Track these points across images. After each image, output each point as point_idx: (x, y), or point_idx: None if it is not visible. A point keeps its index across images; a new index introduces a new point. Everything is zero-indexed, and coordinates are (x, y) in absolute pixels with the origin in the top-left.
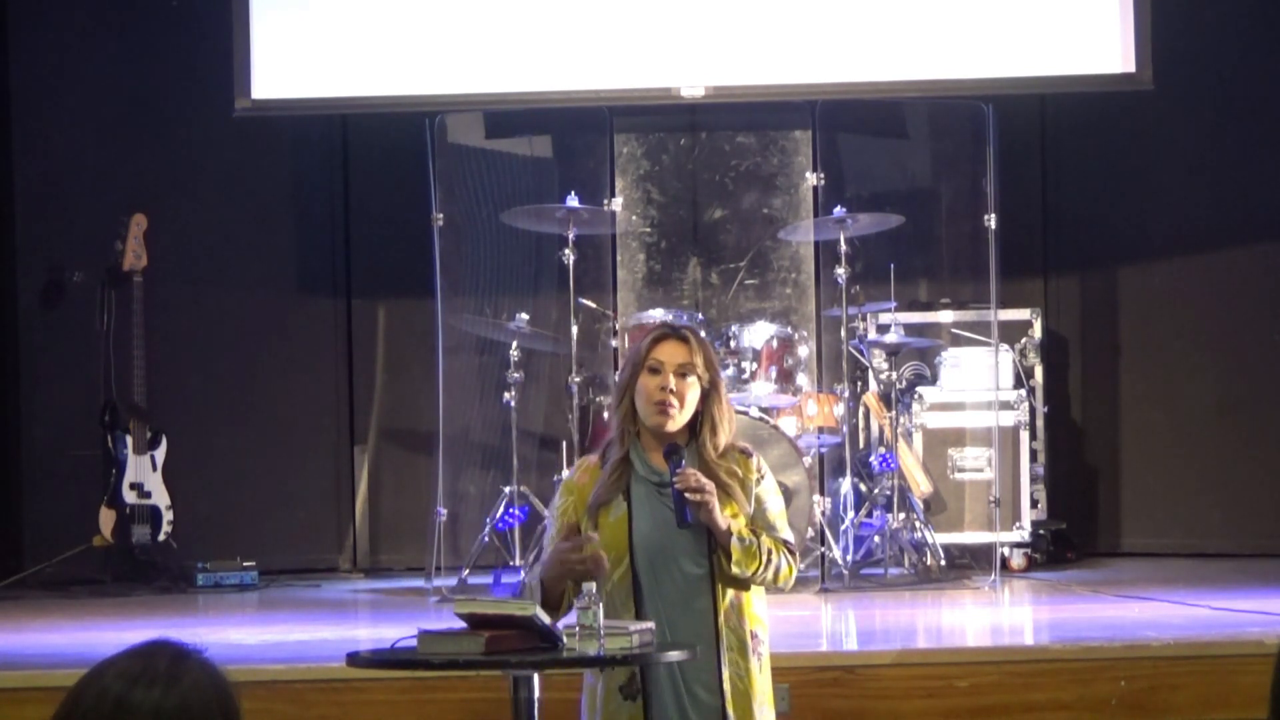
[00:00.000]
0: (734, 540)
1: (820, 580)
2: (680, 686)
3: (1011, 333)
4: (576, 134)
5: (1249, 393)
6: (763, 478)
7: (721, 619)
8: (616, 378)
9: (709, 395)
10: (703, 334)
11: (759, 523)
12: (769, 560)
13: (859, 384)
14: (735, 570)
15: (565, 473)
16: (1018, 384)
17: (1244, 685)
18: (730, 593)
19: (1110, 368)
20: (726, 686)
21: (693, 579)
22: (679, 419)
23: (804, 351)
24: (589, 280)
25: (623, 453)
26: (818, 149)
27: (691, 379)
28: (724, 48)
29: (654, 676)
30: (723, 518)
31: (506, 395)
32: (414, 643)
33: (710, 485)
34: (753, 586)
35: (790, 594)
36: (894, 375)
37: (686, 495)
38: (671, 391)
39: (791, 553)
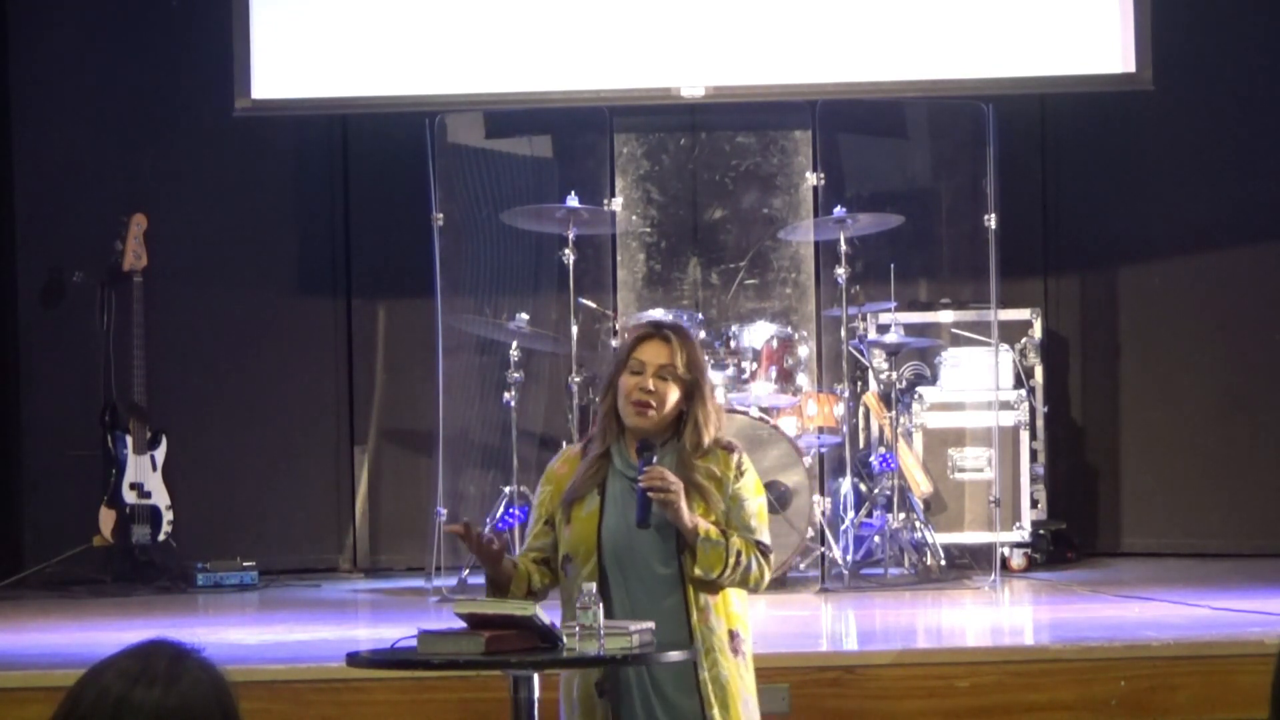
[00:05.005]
0: (699, 541)
1: (820, 580)
2: (648, 688)
3: (1011, 333)
4: (576, 134)
5: (1249, 392)
6: (742, 475)
7: (695, 619)
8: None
9: (692, 394)
10: (694, 331)
11: (734, 521)
12: (737, 562)
13: (859, 384)
14: (698, 572)
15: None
16: (1018, 384)
17: (1244, 685)
18: (703, 593)
19: (1110, 368)
20: (708, 689)
21: (662, 579)
22: (656, 419)
23: (804, 351)
24: (589, 280)
25: (603, 448)
26: (818, 149)
27: (672, 380)
28: (724, 48)
29: (621, 676)
30: (691, 517)
31: (506, 395)
32: (414, 643)
33: (678, 484)
34: (726, 587)
35: (790, 594)
36: (894, 375)
37: (649, 493)
38: (650, 393)
39: (764, 555)
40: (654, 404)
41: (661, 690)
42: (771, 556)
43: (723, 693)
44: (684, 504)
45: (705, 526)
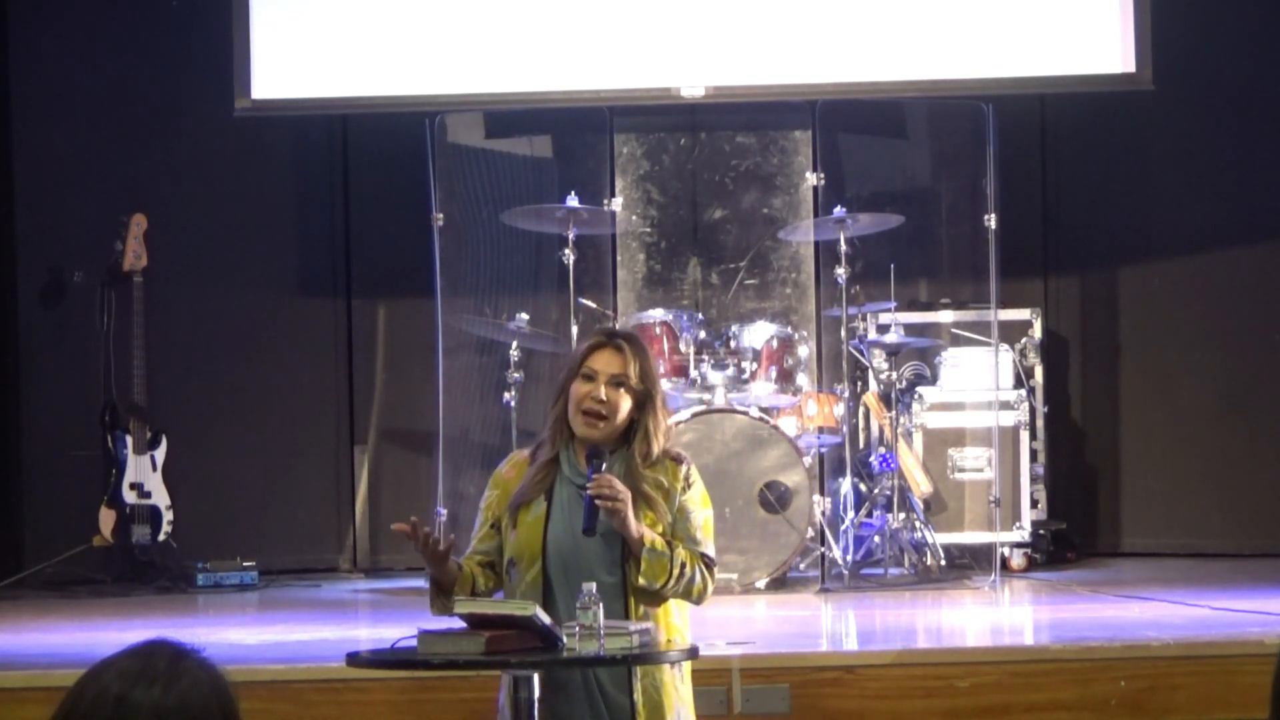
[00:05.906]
0: (644, 551)
1: (820, 580)
2: (594, 690)
3: (1011, 333)
4: (576, 134)
5: (1249, 392)
6: (689, 486)
7: None
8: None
9: (644, 404)
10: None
11: (679, 533)
12: (681, 574)
13: (859, 384)
14: (641, 582)
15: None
16: (1018, 384)
17: (1244, 685)
18: (646, 603)
19: (1110, 368)
20: (639, 697)
21: (605, 587)
22: (606, 428)
23: (804, 351)
24: (589, 280)
25: (552, 453)
26: (818, 149)
27: (624, 389)
28: (724, 48)
29: (560, 680)
30: (637, 527)
31: (506, 395)
32: (414, 643)
33: (626, 493)
34: (670, 598)
35: (790, 594)
36: (894, 375)
37: (597, 501)
38: (601, 401)
39: (709, 567)
40: (605, 413)
41: (604, 691)
42: (715, 569)
43: (653, 703)
44: (631, 513)
45: (651, 536)
